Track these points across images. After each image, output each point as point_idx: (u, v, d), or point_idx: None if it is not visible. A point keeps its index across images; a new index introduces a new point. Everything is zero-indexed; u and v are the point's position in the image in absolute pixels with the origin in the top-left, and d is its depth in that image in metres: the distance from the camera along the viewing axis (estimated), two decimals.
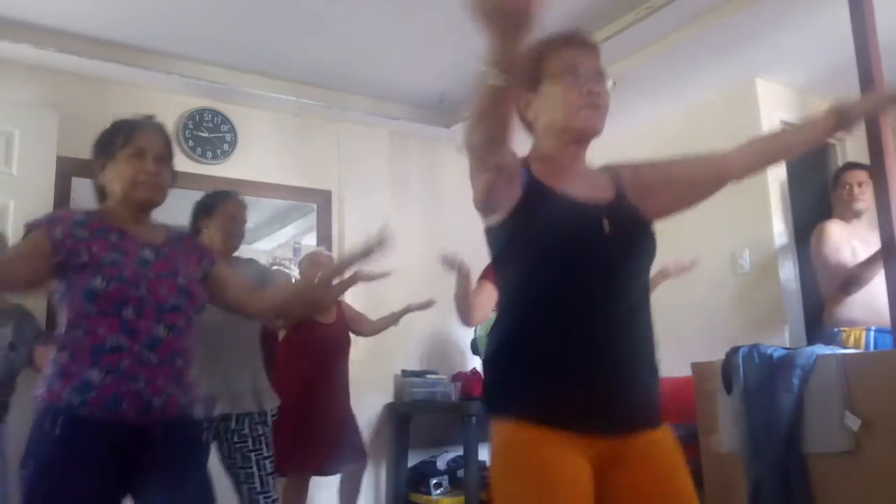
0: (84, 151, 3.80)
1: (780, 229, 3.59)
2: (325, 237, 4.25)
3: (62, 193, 3.40)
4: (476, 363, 4.40)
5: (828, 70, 3.55)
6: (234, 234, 2.65)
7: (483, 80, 1.08)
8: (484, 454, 4.06)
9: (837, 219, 3.21)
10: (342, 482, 3.47)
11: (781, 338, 3.39)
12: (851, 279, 2.95)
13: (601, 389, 1.27)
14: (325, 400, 3.28)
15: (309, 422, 3.18)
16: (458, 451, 4.10)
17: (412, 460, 4.16)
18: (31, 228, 1.67)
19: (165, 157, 1.80)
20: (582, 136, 1.39)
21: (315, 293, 2.08)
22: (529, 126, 1.45)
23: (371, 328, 3.60)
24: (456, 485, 4.04)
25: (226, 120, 3.98)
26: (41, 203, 3.25)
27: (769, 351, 2.58)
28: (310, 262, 3.45)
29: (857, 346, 2.84)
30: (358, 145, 4.40)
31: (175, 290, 1.70)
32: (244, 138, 4.02)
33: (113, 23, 3.28)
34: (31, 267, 1.64)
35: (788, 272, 3.57)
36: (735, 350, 2.65)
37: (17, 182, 3.23)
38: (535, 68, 1.40)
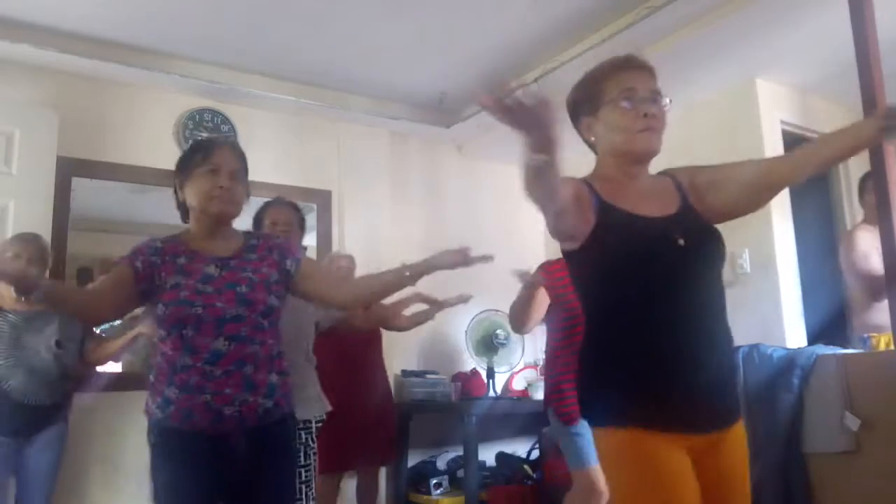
0: (84, 151, 3.83)
1: (780, 229, 3.58)
2: (325, 237, 4.25)
3: (62, 193, 3.40)
4: (474, 364, 4.39)
5: (828, 70, 3.55)
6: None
7: (527, 163, 1.19)
8: (484, 454, 4.07)
9: (867, 223, 3.19)
10: (358, 482, 3.50)
11: (781, 338, 3.39)
12: (881, 286, 2.94)
13: (687, 391, 1.35)
14: (358, 398, 3.29)
15: (343, 422, 3.18)
16: (458, 451, 4.09)
17: (412, 460, 4.15)
18: (116, 263, 1.84)
19: (239, 174, 1.92)
20: (641, 159, 1.49)
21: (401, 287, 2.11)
22: (592, 147, 1.55)
23: (406, 323, 3.61)
24: (456, 485, 4.03)
25: (226, 120, 3.98)
26: (41, 203, 3.26)
27: (769, 351, 2.58)
28: (329, 264, 3.48)
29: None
30: (358, 145, 4.39)
31: (233, 300, 1.79)
32: (244, 138, 4.01)
33: (113, 23, 3.28)
34: (114, 297, 1.83)
35: (788, 272, 3.57)
36: (735, 350, 2.65)
37: (17, 182, 3.23)
38: (593, 93, 1.49)
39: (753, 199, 1.50)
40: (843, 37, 2.54)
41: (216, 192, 1.85)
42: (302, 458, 2.53)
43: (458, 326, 4.38)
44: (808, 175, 1.49)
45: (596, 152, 1.55)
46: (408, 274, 2.03)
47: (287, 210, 2.77)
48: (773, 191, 1.51)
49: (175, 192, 1.94)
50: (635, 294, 1.38)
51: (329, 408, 2.71)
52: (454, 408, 4.06)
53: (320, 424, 2.66)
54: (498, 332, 4.22)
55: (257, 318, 1.82)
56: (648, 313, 1.37)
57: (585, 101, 1.51)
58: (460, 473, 4.00)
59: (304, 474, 2.53)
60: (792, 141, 3.77)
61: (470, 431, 3.68)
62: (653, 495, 1.31)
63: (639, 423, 1.33)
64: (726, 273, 3.63)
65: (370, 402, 3.39)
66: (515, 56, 3.65)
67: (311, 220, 4.27)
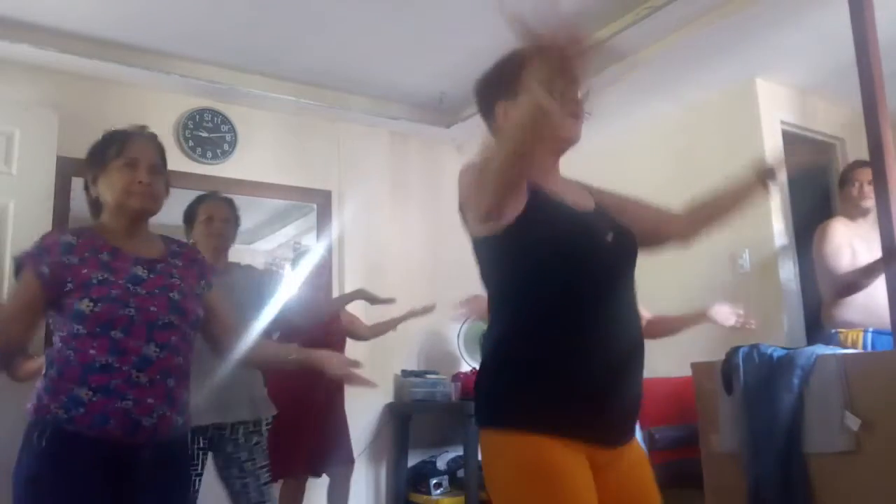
0: (84, 151, 3.81)
1: (780, 229, 3.59)
2: (325, 237, 4.25)
3: (62, 193, 3.39)
4: (470, 365, 4.40)
5: (828, 70, 3.55)
6: (212, 234, 2.60)
7: (536, 102, 1.08)
8: None
9: (843, 216, 3.18)
10: (330, 486, 3.47)
11: (781, 338, 3.39)
12: (848, 285, 2.93)
13: (606, 398, 1.28)
14: (317, 402, 3.28)
15: (302, 425, 3.18)
16: (458, 451, 4.10)
17: (412, 460, 4.16)
18: (19, 265, 1.65)
19: (159, 167, 1.77)
20: (562, 145, 1.41)
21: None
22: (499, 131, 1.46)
23: (368, 332, 3.61)
24: (456, 485, 4.04)
25: (226, 120, 3.98)
26: (41, 203, 3.26)
27: (769, 351, 2.58)
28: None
29: (854, 347, 2.84)
30: (358, 145, 4.40)
31: (167, 306, 1.67)
32: (244, 138, 4.02)
33: (113, 23, 3.28)
34: (27, 319, 1.63)
35: (788, 272, 3.57)
36: (735, 350, 2.65)
37: (17, 182, 3.23)
38: (514, 77, 1.39)
39: (643, 246, 1.46)
40: (843, 37, 2.54)
41: (135, 187, 1.70)
42: (259, 459, 2.52)
43: (458, 327, 4.39)
44: (700, 234, 1.53)
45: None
46: (292, 357, 1.94)
47: (225, 206, 2.68)
48: (662, 245, 1.53)
49: (86, 186, 1.78)
50: (559, 291, 1.29)
51: (274, 410, 2.67)
52: (454, 408, 4.06)
53: (269, 427, 2.63)
54: (482, 334, 4.24)
55: (187, 328, 1.71)
56: (572, 313, 1.29)
57: (502, 86, 1.41)
58: (460, 473, 4.01)
59: (264, 475, 2.51)
60: (792, 141, 3.77)
61: (470, 431, 3.68)
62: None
63: (547, 430, 1.23)
64: (726, 273, 3.69)
65: (333, 407, 3.38)
66: None
67: (310, 219, 4.29)
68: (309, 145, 4.28)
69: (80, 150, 3.50)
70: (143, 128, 1.83)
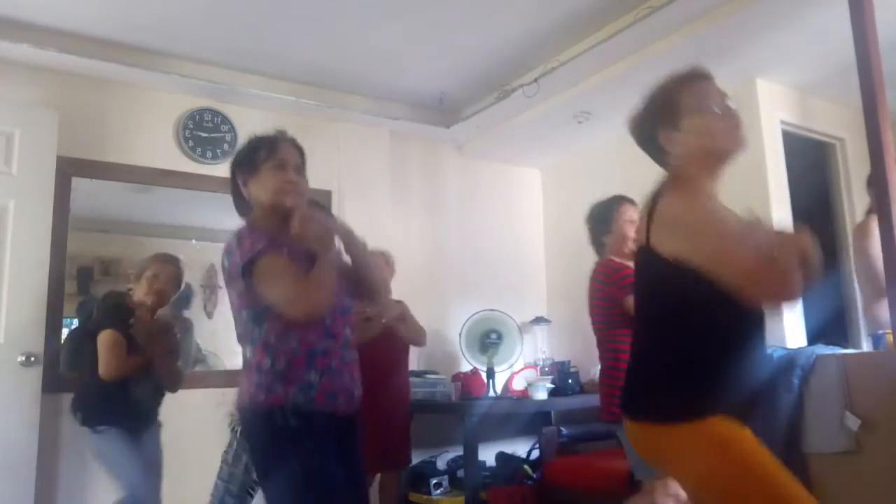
0: (84, 151, 3.82)
1: (778, 227, 3.58)
2: None
3: (62, 193, 3.40)
4: (471, 364, 4.39)
5: (828, 70, 3.55)
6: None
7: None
8: (484, 454, 4.06)
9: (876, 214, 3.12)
10: (380, 486, 3.53)
11: (781, 338, 3.39)
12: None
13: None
14: (385, 403, 3.35)
15: (377, 421, 3.22)
16: (458, 451, 4.09)
17: (412, 460, 4.15)
18: (260, 255, 1.73)
19: (301, 168, 1.94)
20: (733, 157, 1.57)
21: None
22: (663, 159, 1.61)
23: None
24: (456, 485, 4.03)
25: (226, 120, 3.98)
26: (41, 203, 3.26)
27: (769, 351, 2.58)
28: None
29: None
30: (358, 145, 4.39)
31: (344, 292, 1.87)
32: (244, 138, 4.01)
33: (113, 23, 3.28)
34: None
35: None
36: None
37: (17, 182, 3.23)
38: (670, 107, 1.55)
39: None
40: (843, 37, 2.54)
41: (286, 186, 1.85)
42: None
43: (458, 327, 4.38)
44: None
45: (666, 166, 1.60)
46: None
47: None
48: None
49: (236, 187, 1.95)
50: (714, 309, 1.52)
51: None
52: (454, 408, 4.06)
53: None
54: (491, 332, 4.24)
55: (353, 308, 1.93)
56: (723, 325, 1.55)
57: (662, 116, 1.57)
58: (460, 473, 4.00)
59: None
60: (792, 141, 3.77)
61: (470, 431, 3.68)
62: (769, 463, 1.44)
63: (717, 411, 1.44)
64: None
65: (396, 408, 3.46)
66: (515, 56, 3.65)
67: None
68: (309, 145, 4.22)
69: (80, 150, 3.53)
70: (284, 132, 1.99)
